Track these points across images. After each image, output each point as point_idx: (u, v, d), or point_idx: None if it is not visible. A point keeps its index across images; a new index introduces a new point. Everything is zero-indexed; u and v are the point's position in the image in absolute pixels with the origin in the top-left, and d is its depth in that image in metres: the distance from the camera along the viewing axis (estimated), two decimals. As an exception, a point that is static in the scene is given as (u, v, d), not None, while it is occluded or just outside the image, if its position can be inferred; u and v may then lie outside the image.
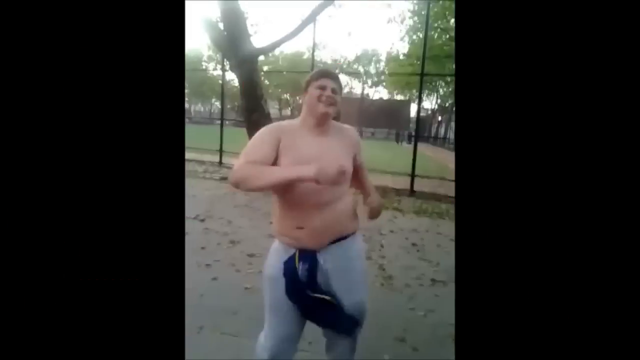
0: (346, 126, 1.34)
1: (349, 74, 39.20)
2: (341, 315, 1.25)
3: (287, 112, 45.67)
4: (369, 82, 40.14)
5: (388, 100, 41.01)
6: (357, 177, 1.37)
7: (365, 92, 41.61)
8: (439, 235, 4.14)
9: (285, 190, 1.17)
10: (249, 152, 1.17)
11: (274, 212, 1.28)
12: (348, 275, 1.27)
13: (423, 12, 14.30)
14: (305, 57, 33.84)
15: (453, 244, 3.88)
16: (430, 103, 34.29)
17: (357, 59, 36.10)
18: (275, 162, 1.17)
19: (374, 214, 1.32)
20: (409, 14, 15.32)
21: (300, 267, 1.20)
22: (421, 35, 15.39)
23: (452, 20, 14.59)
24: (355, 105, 36.45)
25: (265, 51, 6.46)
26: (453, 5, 12.88)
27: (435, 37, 14.61)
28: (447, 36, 15.04)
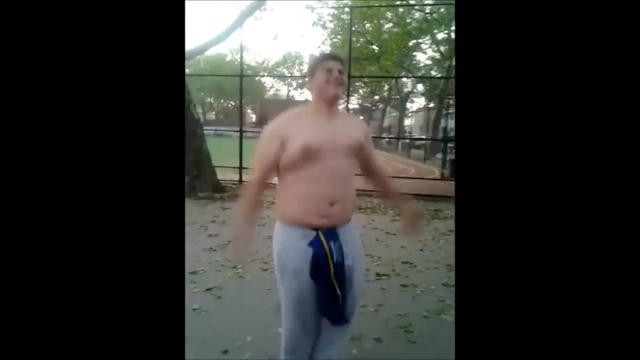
0: (353, 115, 1.42)
1: (274, 76, 39.03)
2: (344, 306, 1.29)
3: (212, 115, 43.86)
4: (294, 84, 40.39)
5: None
6: (370, 169, 1.42)
7: (291, 94, 41.81)
8: (376, 230, 4.33)
9: (312, 167, 1.20)
10: (255, 167, 1.29)
11: (289, 197, 1.26)
12: (358, 255, 1.33)
13: (342, 16, 14.83)
14: (228, 59, 32.83)
15: (390, 236, 4.10)
16: (351, 104, 35.63)
17: (282, 62, 36.11)
18: (280, 154, 1.23)
19: (416, 227, 1.42)
20: (330, 18, 15.76)
21: (332, 246, 1.23)
22: (341, 38, 15.93)
23: (368, 25, 15.34)
24: (282, 107, 36.38)
25: (193, 54, 6.15)
26: (370, 11, 13.55)
27: (355, 40, 15.22)
28: (365, 39, 15.77)
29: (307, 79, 1.33)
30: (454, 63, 14.29)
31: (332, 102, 1.26)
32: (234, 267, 3.02)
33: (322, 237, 1.22)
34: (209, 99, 40.44)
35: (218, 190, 6.03)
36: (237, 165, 7.17)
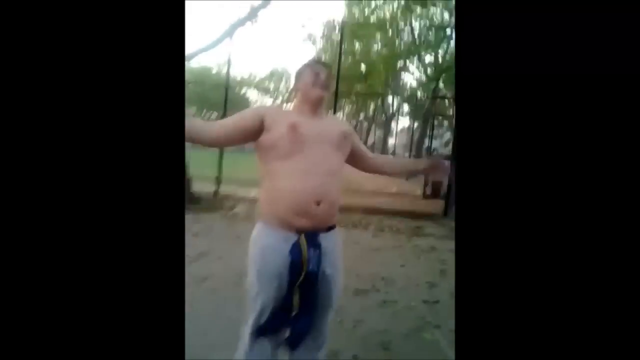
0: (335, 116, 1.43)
1: (260, 90, 39.26)
2: (300, 322, 1.21)
3: (194, 125, 43.34)
4: (280, 98, 40.66)
5: (298, 117, 41.91)
6: (361, 159, 1.38)
7: (277, 108, 42.00)
8: (356, 245, 4.27)
9: (297, 156, 1.15)
10: (227, 120, 1.24)
11: (273, 194, 1.19)
12: (336, 265, 1.26)
13: (332, 36, 15.11)
14: (214, 71, 32.78)
15: (370, 252, 4.05)
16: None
17: (269, 77, 36.38)
18: (255, 137, 1.19)
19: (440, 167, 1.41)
20: (320, 35, 16.04)
21: (311, 254, 1.15)
22: (329, 56, 16.17)
23: (357, 45, 15.66)
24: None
25: None
26: (360, 31, 13.85)
27: (343, 59, 15.51)
28: (354, 58, 16.05)
29: (293, 84, 1.32)
30: (440, 86, 14.71)
31: (316, 105, 1.23)
32: (205, 279, 2.90)
33: (302, 243, 1.15)
34: (191, 108, 40.06)
35: (192, 202, 5.89)
36: (214, 175, 7.03)
